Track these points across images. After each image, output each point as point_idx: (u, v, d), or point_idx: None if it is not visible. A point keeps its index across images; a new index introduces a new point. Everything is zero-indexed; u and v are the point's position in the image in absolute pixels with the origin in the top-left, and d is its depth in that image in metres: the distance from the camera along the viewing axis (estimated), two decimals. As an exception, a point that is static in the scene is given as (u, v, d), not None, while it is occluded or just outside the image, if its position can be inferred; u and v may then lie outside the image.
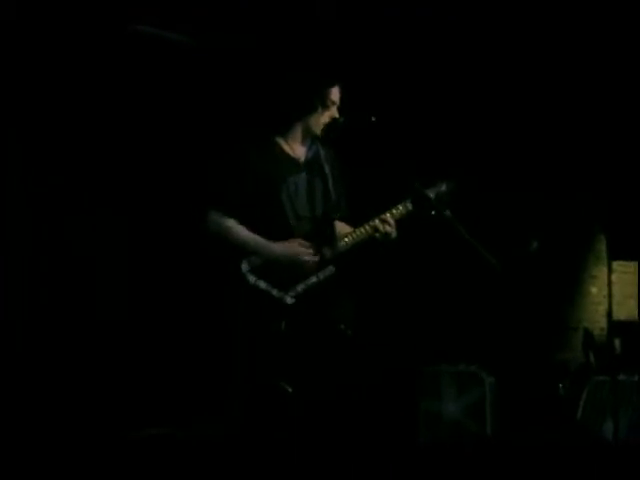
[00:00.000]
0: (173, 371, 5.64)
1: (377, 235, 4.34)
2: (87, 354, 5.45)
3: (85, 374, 5.41)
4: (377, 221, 4.34)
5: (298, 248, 4.27)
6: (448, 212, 4.19)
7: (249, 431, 4.24)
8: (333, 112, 4.37)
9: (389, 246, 4.36)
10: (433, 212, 4.21)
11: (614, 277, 5.35)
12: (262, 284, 4.23)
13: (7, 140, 5.26)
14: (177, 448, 5.16)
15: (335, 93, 4.37)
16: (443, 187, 4.43)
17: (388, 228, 4.33)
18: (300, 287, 4.26)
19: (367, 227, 4.35)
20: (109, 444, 5.14)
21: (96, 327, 5.52)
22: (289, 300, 4.23)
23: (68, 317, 5.43)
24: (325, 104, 4.34)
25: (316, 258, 4.28)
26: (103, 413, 5.37)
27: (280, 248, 4.26)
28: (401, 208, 4.37)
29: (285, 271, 4.24)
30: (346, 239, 4.36)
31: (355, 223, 4.41)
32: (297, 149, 4.42)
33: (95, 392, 5.41)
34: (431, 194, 4.33)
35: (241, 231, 4.28)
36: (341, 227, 4.45)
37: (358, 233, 4.36)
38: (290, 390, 4.16)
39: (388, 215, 4.34)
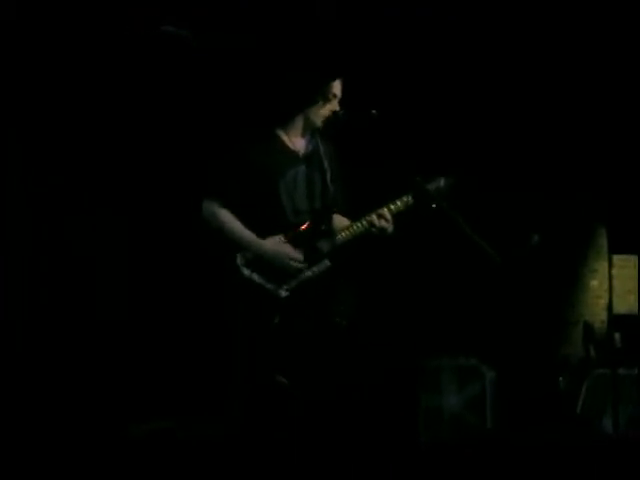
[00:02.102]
0: (173, 370, 5.63)
1: (373, 230, 4.33)
2: (87, 353, 5.45)
3: (85, 373, 5.41)
4: (374, 216, 4.33)
5: (287, 249, 4.26)
6: (446, 205, 4.18)
7: (249, 431, 4.22)
8: (334, 105, 4.35)
9: (385, 241, 4.36)
10: (434, 205, 4.21)
11: (614, 271, 5.34)
12: (256, 277, 4.22)
13: (7, 140, 5.28)
14: (177, 448, 5.14)
15: (337, 86, 4.36)
16: (441, 182, 4.43)
17: (384, 223, 4.32)
18: (294, 281, 4.25)
19: (364, 221, 4.35)
20: (109, 444, 5.13)
21: (96, 327, 5.52)
22: (283, 293, 4.22)
23: (68, 317, 5.43)
24: (326, 97, 4.33)
25: (301, 266, 4.26)
26: (103, 413, 5.36)
27: (269, 246, 4.25)
28: (399, 203, 4.37)
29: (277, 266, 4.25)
30: (343, 233, 4.35)
31: (354, 218, 4.40)
32: (297, 142, 4.41)
33: (95, 391, 5.40)
34: (431, 189, 4.33)
35: (233, 223, 4.28)
36: (339, 221, 4.43)
37: (355, 227, 4.35)
38: (286, 382, 4.15)
39: (385, 210, 4.34)
